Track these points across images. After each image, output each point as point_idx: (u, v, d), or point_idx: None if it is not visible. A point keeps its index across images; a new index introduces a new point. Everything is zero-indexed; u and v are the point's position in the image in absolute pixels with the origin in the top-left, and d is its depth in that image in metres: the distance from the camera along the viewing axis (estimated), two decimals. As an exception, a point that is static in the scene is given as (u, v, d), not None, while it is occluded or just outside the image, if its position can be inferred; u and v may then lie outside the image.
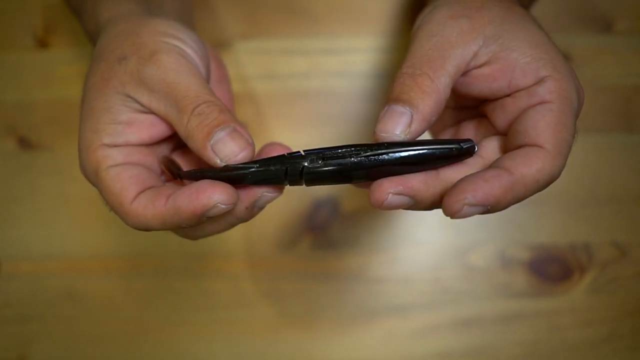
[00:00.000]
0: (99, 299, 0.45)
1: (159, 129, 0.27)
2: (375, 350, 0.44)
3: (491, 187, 0.23)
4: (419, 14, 0.28)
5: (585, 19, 0.46)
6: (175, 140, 0.29)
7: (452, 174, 0.25)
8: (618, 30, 0.46)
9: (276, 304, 0.45)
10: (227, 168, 0.25)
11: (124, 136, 0.26)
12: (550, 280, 0.44)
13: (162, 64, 0.26)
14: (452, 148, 0.24)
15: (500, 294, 0.44)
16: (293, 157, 0.25)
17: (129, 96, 0.26)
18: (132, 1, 0.31)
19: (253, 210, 0.26)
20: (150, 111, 0.27)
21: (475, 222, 0.45)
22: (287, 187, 0.26)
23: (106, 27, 0.29)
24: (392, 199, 0.24)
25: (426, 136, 0.27)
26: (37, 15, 0.47)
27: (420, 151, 0.24)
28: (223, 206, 0.24)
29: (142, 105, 0.26)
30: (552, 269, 0.44)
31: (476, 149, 0.25)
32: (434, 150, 0.24)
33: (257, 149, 0.26)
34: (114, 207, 0.26)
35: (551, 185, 0.24)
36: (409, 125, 0.24)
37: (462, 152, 0.24)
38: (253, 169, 0.25)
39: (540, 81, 0.25)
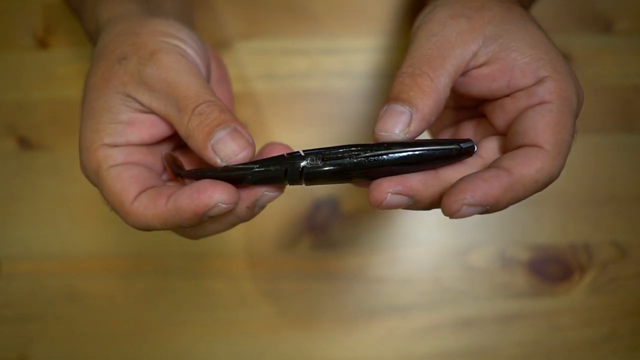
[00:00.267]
0: (99, 299, 0.45)
1: (159, 129, 0.27)
2: (375, 350, 0.44)
3: (490, 187, 0.23)
4: (419, 13, 0.28)
5: (585, 19, 0.46)
6: (175, 140, 0.29)
7: (451, 174, 0.25)
8: (618, 30, 0.46)
9: (276, 303, 0.45)
10: (227, 168, 0.25)
11: (125, 136, 0.26)
12: (550, 280, 0.44)
13: (162, 64, 0.26)
14: (451, 148, 0.24)
15: (500, 294, 0.44)
16: (293, 157, 0.25)
17: (129, 96, 0.26)
18: (132, 1, 0.31)
19: (254, 210, 0.26)
20: (150, 111, 0.27)
21: (475, 222, 0.45)
22: (287, 187, 0.26)
23: (106, 27, 0.29)
24: (391, 198, 0.24)
25: (425, 136, 0.27)
26: (37, 15, 0.47)
27: (420, 151, 0.24)
28: (224, 206, 0.24)
29: (142, 105, 0.26)
30: (552, 269, 0.44)
31: (475, 149, 0.25)
32: (433, 151, 0.24)
33: (257, 149, 0.26)
34: (114, 207, 0.26)
35: (551, 185, 0.24)
36: (409, 124, 0.24)
37: (461, 152, 0.24)
38: (253, 169, 0.25)
39: (539, 81, 0.25)
